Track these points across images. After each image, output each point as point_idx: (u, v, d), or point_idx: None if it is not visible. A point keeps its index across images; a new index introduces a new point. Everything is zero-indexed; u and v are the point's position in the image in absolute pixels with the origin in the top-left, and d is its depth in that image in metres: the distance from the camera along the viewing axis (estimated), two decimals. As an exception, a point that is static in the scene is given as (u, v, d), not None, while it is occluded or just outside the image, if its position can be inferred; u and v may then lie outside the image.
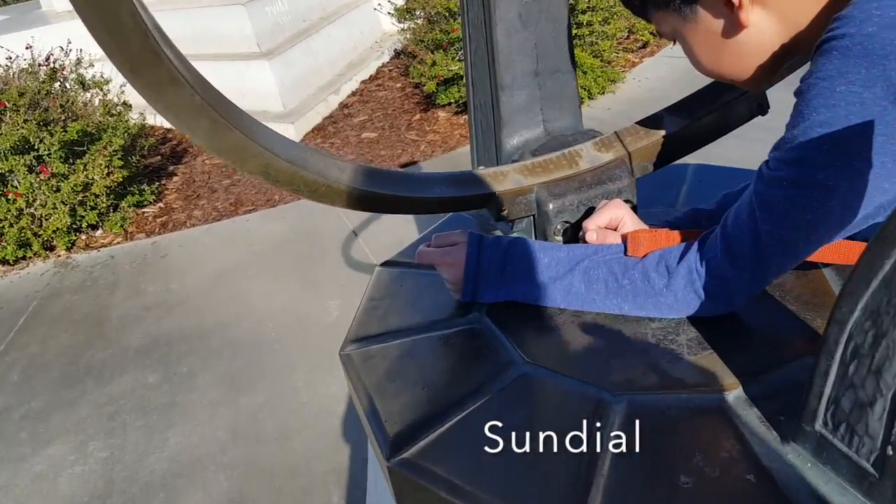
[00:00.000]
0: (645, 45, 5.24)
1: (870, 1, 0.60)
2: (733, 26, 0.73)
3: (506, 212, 0.99)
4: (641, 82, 4.74)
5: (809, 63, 0.65)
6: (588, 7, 4.38)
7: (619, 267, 0.86)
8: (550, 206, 0.98)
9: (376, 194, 0.87)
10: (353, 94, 5.58)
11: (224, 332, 2.85)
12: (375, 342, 0.89)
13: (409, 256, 1.15)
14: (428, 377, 0.82)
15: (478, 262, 0.92)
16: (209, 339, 2.83)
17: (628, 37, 5.18)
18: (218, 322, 2.93)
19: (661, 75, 4.78)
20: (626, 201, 1.02)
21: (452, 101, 4.74)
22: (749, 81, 0.79)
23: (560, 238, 1.01)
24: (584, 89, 4.37)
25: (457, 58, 4.56)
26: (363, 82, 5.68)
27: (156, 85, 0.59)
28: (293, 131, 4.98)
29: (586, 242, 0.91)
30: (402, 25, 5.14)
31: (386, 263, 1.13)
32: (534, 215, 1.02)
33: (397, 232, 3.46)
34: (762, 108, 1.03)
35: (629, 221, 0.92)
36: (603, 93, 4.51)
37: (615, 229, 0.93)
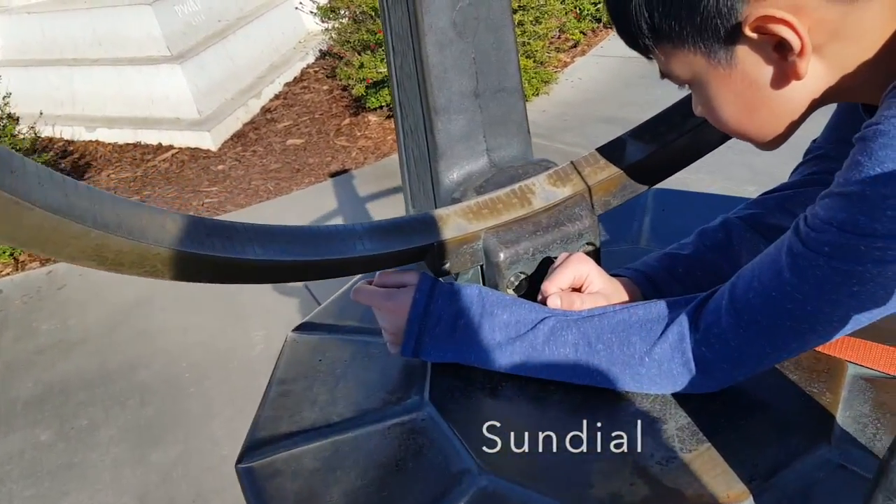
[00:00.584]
0: (576, 45, 5.17)
1: None
2: (784, 76, 0.58)
3: (447, 264, 0.81)
4: (574, 83, 4.65)
5: (879, 107, 0.51)
6: (519, 6, 4.25)
7: (592, 327, 0.69)
8: (501, 255, 0.81)
9: (274, 264, 0.67)
10: (277, 97, 5.29)
11: (130, 375, 2.56)
12: (284, 448, 0.70)
13: (333, 315, 0.96)
14: (355, 500, 0.63)
15: (426, 310, 0.75)
16: (113, 384, 2.53)
17: (559, 36, 5.09)
18: (123, 364, 2.63)
19: (594, 75, 4.71)
20: (589, 244, 0.86)
21: (384, 104, 4.53)
22: (773, 141, 0.64)
23: (513, 292, 0.84)
24: (518, 91, 4.24)
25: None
26: (287, 85, 5.39)
27: None
28: (210, 140, 4.66)
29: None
30: (325, 25, 4.89)
31: (302, 328, 0.93)
32: (481, 266, 0.84)
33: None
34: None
35: (596, 279, 0.76)
36: (537, 94, 4.39)
37: (580, 289, 0.76)
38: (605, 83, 4.50)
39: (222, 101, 4.97)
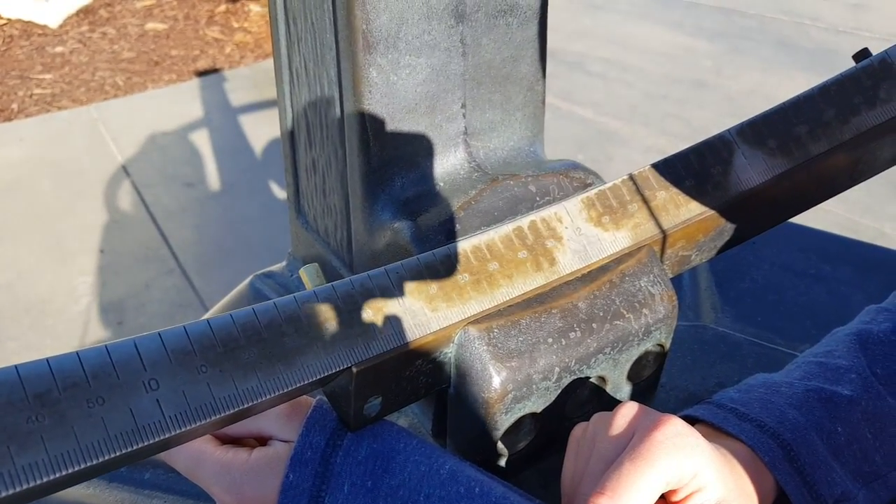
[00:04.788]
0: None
1: None
2: None
3: (376, 401, 0.36)
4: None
5: None
6: None
7: None
8: (496, 381, 0.38)
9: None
10: (136, -31, 4.35)
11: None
12: None
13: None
14: None
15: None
16: None
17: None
18: None
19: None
20: (658, 346, 0.44)
21: (267, -7, 3.79)
22: None
23: (504, 456, 0.41)
24: None
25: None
26: (150, -45, 4.44)
27: None
28: (49, 13, 3.77)
29: None
30: None
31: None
32: (446, 390, 0.40)
33: (191, 173, 2.63)
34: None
35: (713, 483, 0.34)
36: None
37: (666, 500, 0.35)
38: None
39: (62, -36, 4.01)
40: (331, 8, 0.39)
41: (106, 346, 0.28)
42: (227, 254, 2.21)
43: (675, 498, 0.34)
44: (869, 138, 0.48)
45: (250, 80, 3.40)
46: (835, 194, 0.51)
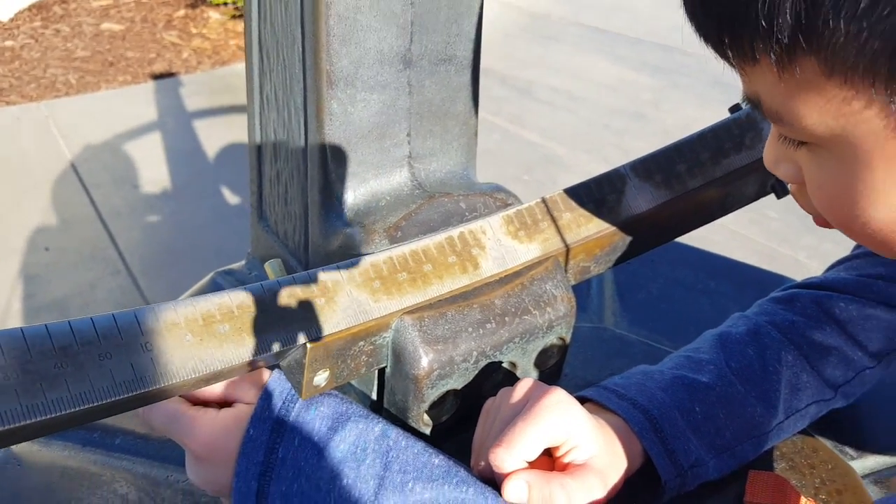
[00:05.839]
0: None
1: None
2: None
3: (323, 375, 0.44)
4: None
5: None
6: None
7: None
8: (425, 362, 0.46)
9: None
10: (94, -33, 4.31)
11: None
12: None
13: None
14: None
15: (267, 460, 0.42)
16: None
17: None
18: None
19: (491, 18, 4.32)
20: (559, 339, 0.54)
21: (230, 1, 3.83)
22: None
23: (429, 419, 0.49)
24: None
25: (235, -52, 3.64)
26: (108, -46, 4.40)
27: None
28: (0, 5, 3.69)
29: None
30: None
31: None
32: (383, 370, 0.49)
33: (141, 175, 2.63)
34: (781, 185, 0.60)
35: (586, 442, 0.44)
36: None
37: (552, 457, 0.44)
38: (483, 30, 4.13)
39: (17, -43, 3.94)
40: (300, 49, 0.47)
41: (113, 315, 0.35)
42: (174, 256, 2.23)
43: (558, 454, 0.43)
44: (736, 177, 0.59)
45: (206, 85, 3.42)
46: (710, 221, 0.61)
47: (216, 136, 2.89)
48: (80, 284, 2.08)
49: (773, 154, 0.38)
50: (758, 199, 0.60)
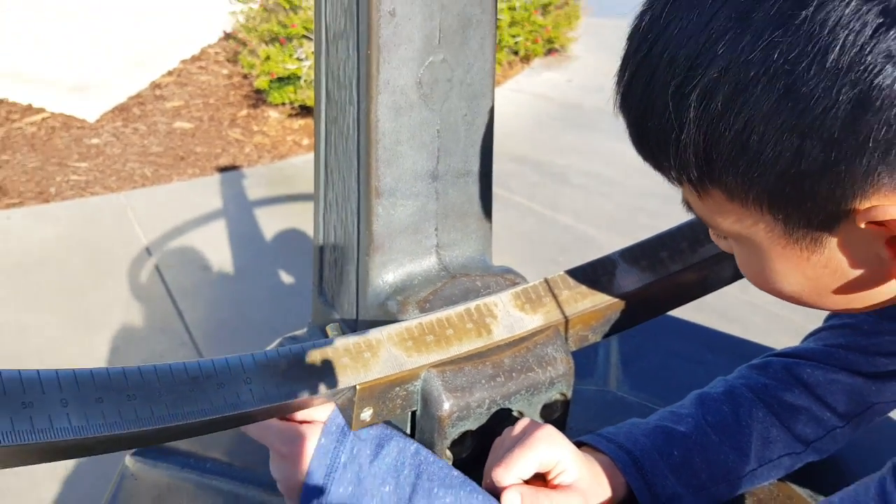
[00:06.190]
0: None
1: None
2: (886, 274, 0.41)
3: (368, 414, 0.58)
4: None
5: None
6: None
7: None
8: (447, 406, 0.59)
9: (115, 438, 0.41)
10: (170, 73, 4.78)
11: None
12: None
13: (197, 441, 0.69)
14: None
15: (333, 463, 0.55)
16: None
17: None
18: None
19: (507, 110, 4.57)
20: (560, 395, 0.66)
21: (287, 101, 4.19)
22: (846, 311, 0.47)
23: (450, 454, 0.62)
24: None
25: (295, 55, 4.02)
26: (183, 62, 4.89)
27: None
28: (87, 109, 4.13)
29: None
30: (233, 8, 4.47)
31: (145, 453, 0.66)
32: (414, 412, 0.62)
33: (207, 257, 2.87)
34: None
35: (571, 467, 0.55)
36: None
37: (545, 476, 0.56)
38: (518, 120, 4.38)
39: (109, 68, 4.42)
40: (356, 170, 0.63)
41: (226, 358, 0.50)
42: (233, 331, 2.42)
43: (549, 477, 0.55)
44: (713, 262, 0.72)
45: (265, 177, 3.71)
46: (692, 299, 0.73)
47: (274, 223, 3.13)
48: (151, 354, 2.28)
49: (713, 238, 0.52)
50: (735, 280, 0.72)
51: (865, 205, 0.37)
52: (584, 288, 0.67)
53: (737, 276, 0.72)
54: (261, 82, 4.12)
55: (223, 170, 3.79)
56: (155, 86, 4.63)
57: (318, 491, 0.53)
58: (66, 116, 4.20)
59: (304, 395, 0.52)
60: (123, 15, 4.52)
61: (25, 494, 1.80)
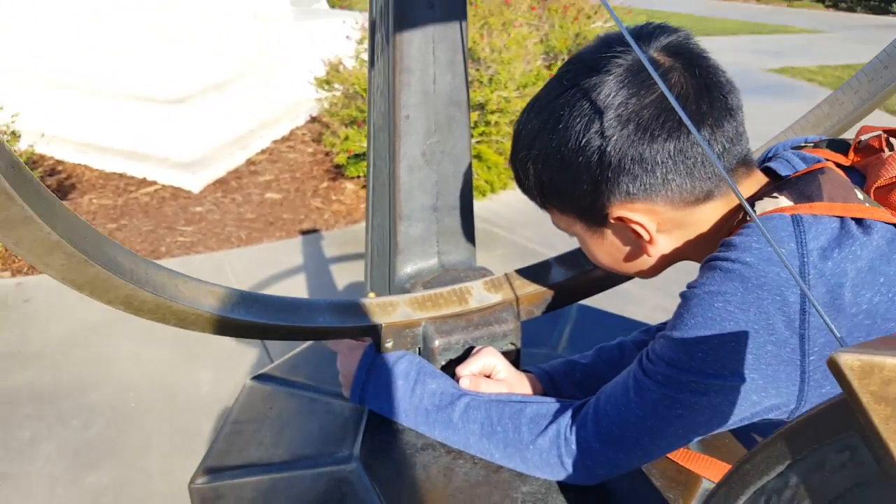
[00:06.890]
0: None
1: (750, 234, 0.66)
2: (639, 250, 0.79)
3: (390, 343, 0.99)
4: (543, 181, 4.97)
5: (698, 272, 0.71)
6: (497, 109, 4.61)
7: (496, 411, 0.86)
8: (437, 342, 0.99)
9: (252, 324, 0.84)
10: (263, 151, 5.50)
11: (80, 395, 2.63)
12: (230, 476, 0.85)
13: (287, 371, 1.12)
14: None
15: (373, 362, 0.94)
16: (61, 401, 2.59)
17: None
18: (75, 383, 2.69)
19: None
20: (511, 344, 1.05)
21: (361, 174, 4.76)
22: (642, 276, 0.85)
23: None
24: (488, 183, 4.53)
25: (370, 134, 4.61)
26: (274, 142, 5.62)
27: (6, 223, 0.55)
28: (193, 182, 4.82)
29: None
30: (319, 95, 5.17)
31: (258, 377, 1.09)
32: (419, 348, 1.02)
33: (288, 304, 3.36)
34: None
35: (502, 369, 0.94)
36: (504, 188, 4.69)
37: (489, 376, 0.95)
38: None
39: (211, 147, 5.16)
40: (389, 205, 1.07)
41: (314, 300, 0.93)
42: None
43: (489, 375, 0.94)
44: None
45: (340, 239, 4.24)
46: (600, 291, 1.11)
47: (346, 277, 3.62)
48: (242, 379, 2.74)
49: (567, 233, 0.91)
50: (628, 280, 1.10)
51: (615, 212, 0.76)
52: (529, 279, 1.07)
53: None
54: (340, 158, 4.72)
55: (305, 233, 4.35)
56: (250, 162, 5.34)
57: (364, 379, 0.94)
58: (175, 188, 4.91)
59: (351, 325, 0.94)
60: (224, 102, 5.29)
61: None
